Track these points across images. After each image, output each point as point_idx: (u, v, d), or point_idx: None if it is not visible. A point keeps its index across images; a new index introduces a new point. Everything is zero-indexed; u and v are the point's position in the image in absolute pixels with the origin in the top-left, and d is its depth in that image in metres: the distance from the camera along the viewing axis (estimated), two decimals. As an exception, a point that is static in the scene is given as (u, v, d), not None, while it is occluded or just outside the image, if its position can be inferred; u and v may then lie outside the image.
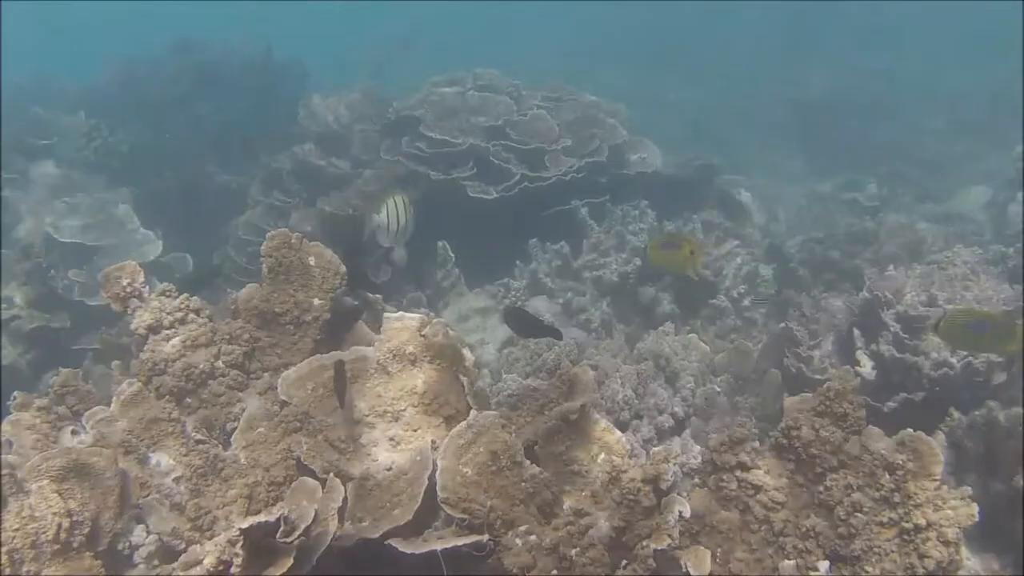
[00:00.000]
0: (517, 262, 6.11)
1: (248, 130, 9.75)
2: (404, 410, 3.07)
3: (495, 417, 2.86)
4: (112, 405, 2.80)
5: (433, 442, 2.87)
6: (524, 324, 3.56)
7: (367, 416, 3.06)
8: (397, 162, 6.69)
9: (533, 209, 6.47)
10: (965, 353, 4.25)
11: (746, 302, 5.85)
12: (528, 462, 2.85)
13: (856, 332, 4.72)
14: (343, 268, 3.56)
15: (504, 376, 4.36)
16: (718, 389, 4.37)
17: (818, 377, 4.58)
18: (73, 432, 2.83)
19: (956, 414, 3.74)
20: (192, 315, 3.20)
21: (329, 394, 3.07)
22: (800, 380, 4.61)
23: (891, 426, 3.07)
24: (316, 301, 3.44)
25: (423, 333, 3.16)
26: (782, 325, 4.96)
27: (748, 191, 7.85)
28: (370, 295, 3.79)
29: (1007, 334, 3.33)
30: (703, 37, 18.27)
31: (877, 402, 4.28)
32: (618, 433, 3.01)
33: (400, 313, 3.20)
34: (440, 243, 6.16)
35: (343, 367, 3.11)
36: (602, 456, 2.97)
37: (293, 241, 3.52)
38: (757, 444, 3.10)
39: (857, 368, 4.59)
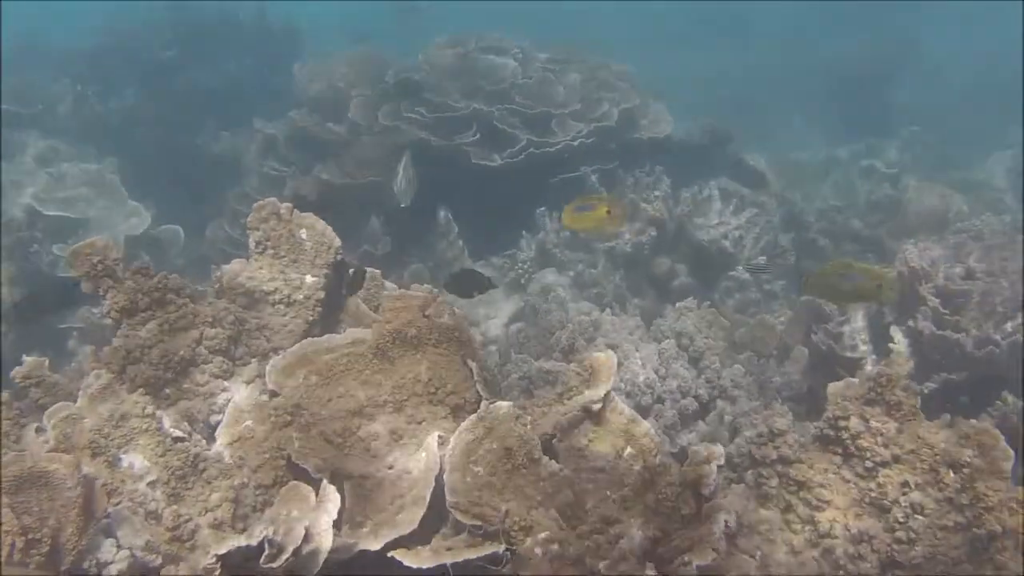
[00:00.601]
0: (524, 232, 5.77)
1: (242, 94, 9.39)
2: (407, 400, 2.76)
3: (508, 408, 2.56)
4: (78, 400, 2.49)
5: (440, 437, 2.57)
6: (465, 283, 3.37)
7: (366, 407, 2.75)
8: (396, 128, 6.33)
9: (540, 176, 6.13)
10: (1011, 329, 3.95)
11: (738, 269, 5.52)
12: (546, 458, 2.55)
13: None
14: (337, 241, 3.25)
15: (514, 356, 4.05)
16: (743, 369, 4.05)
17: (849, 355, 4.28)
18: (38, 430, 2.53)
19: (1010, 398, 3.44)
20: (171, 295, 2.89)
21: (323, 383, 2.76)
22: (830, 357, 4.30)
23: (931, 410, 2.78)
24: (308, 278, 3.13)
25: (427, 313, 2.85)
26: (806, 298, 4.64)
27: (763, 156, 7.50)
28: (368, 269, 3.47)
29: (880, 282, 3.11)
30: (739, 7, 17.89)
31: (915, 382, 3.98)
32: (645, 424, 2.70)
33: (400, 291, 2.89)
34: (442, 212, 5.83)
35: (339, 351, 2.81)
36: (628, 450, 2.66)
37: (283, 212, 3.21)
38: (799, 436, 2.80)
39: (891, 345, 4.29)
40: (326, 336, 2.88)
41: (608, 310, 4.58)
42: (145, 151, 8.26)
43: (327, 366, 2.79)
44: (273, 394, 2.75)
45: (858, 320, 4.55)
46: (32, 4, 15.15)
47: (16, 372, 2.67)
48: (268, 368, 2.77)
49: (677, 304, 4.45)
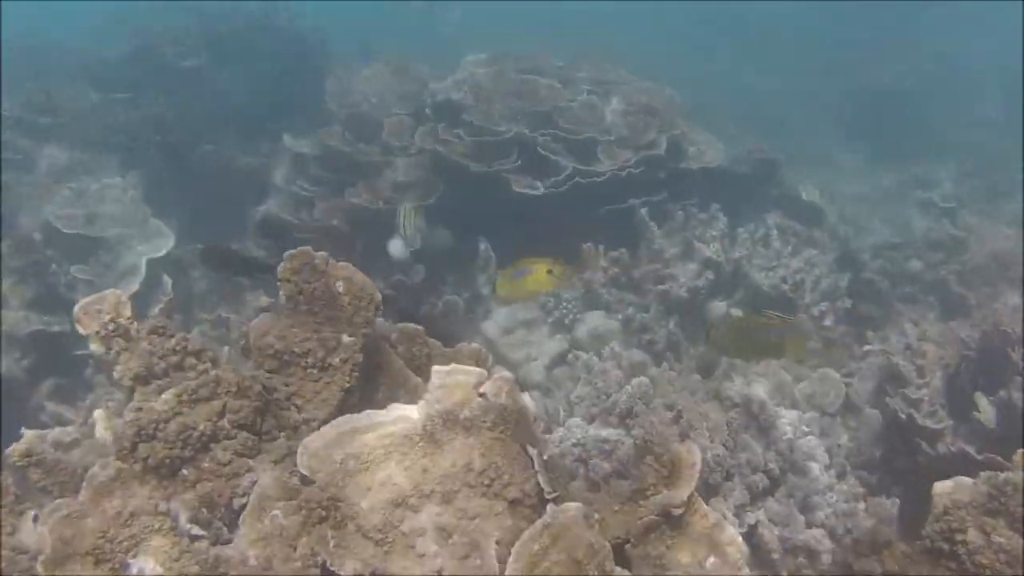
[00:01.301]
0: (567, 267, 5.43)
1: (270, 106, 9.09)
2: (457, 491, 2.41)
3: (577, 512, 2.20)
4: (82, 492, 2.15)
5: (497, 542, 2.22)
6: (228, 263, 3.29)
7: (410, 496, 2.40)
8: (434, 151, 6.00)
9: (585, 207, 5.79)
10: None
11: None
12: (619, 569, 2.19)
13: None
14: (379, 296, 2.90)
15: (567, 422, 3.69)
16: (816, 439, 3.68)
17: (931, 425, 3.90)
18: (36, 520, 2.19)
19: None
20: (191, 359, 2.56)
21: (362, 468, 2.41)
22: (909, 428, 3.92)
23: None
24: (345, 338, 2.79)
25: (482, 391, 2.50)
26: (884, 355, 4.27)
27: (815, 188, 7.13)
28: (409, 326, 3.13)
29: (790, 340, 3.01)
30: (780, 25, 17.40)
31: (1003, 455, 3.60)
32: (731, 530, 2.34)
33: (452, 366, 2.53)
34: (483, 244, 5.49)
35: (380, 431, 2.47)
36: (712, 560, 2.30)
37: (318, 262, 2.86)
38: (904, 548, 2.43)
39: (975, 414, 3.91)
40: (366, 413, 2.53)
41: (664, 363, 4.22)
42: (169, 163, 7.95)
43: (367, 448, 2.44)
44: (304, 479, 2.41)
45: (935, 382, 4.17)
46: (31, 4, 14.76)
47: (14, 450, 2.34)
48: (300, 450, 2.42)
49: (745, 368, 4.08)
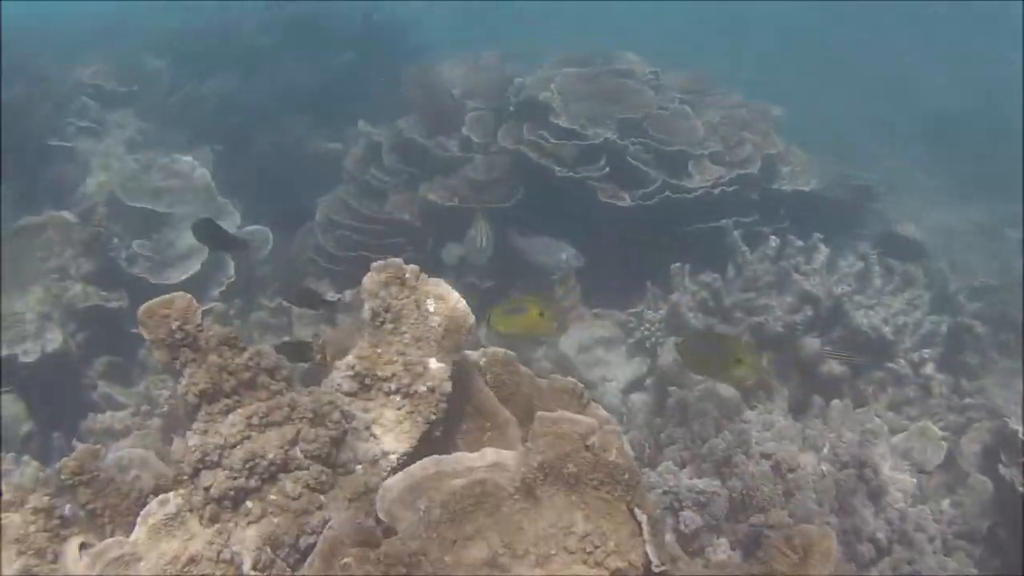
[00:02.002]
0: (649, 285, 5.09)
1: (345, 92, 8.86)
2: (554, 554, 2.11)
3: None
4: (136, 530, 1.89)
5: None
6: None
7: (500, 555, 2.11)
8: (517, 151, 5.70)
9: (674, 223, 5.46)
10: None
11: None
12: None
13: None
14: (471, 319, 2.61)
15: (660, 467, 3.36)
16: (928, 510, 3.33)
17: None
18: (83, 547, 1.94)
19: None
20: (264, 377, 2.29)
21: (448, 518, 2.13)
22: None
23: None
24: (433, 363, 2.51)
25: (589, 443, 2.20)
26: (998, 418, 3.90)
27: (912, 222, 6.73)
28: (499, 351, 2.83)
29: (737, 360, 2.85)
30: (843, 38, 16.79)
31: None
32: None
33: (560, 413, 2.23)
34: (564, 254, 5.17)
35: (471, 478, 2.18)
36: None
37: (408, 276, 2.58)
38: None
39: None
40: (455, 456, 2.24)
41: (755, 402, 3.89)
42: (238, 142, 7.75)
43: (455, 497, 2.15)
44: (383, 526, 2.13)
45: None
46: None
47: (64, 465, 2.08)
48: (380, 493, 2.14)
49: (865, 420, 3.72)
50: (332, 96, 8.68)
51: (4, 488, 2.00)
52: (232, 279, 5.75)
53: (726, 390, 3.96)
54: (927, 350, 4.69)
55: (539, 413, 2.20)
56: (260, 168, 7.53)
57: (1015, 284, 6.39)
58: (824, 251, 4.83)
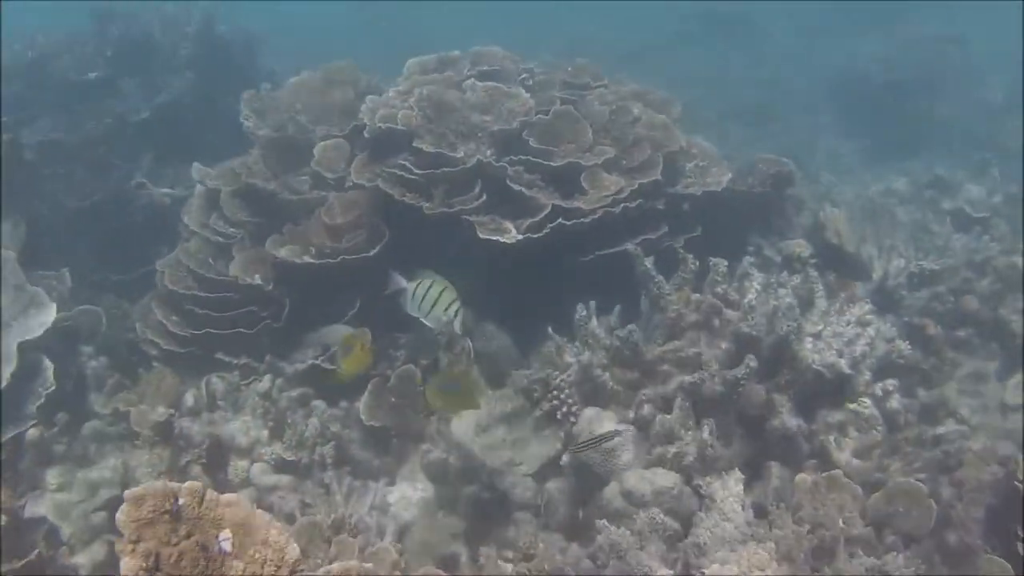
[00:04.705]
0: (553, 336, 4.16)
1: (187, 119, 7.74)
2: None
3: None
4: None
5: None
6: None
7: None
8: (375, 188, 4.75)
9: (569, 254, 4.59)
10: None
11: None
12: None
13: None
14: (295, 553, 1.67)
15: None
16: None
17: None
18: None
19: None
20: None
21: None
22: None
23: None
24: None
25: None
26: (1006, 466, 3.13)
27: (835, 207, 5.98)
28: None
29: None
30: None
31: None
32: None
33: None
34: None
35: None
36: None
37: (184, 504, 1.63)
38: None
39: None
40: None
41: (702, 489, 3.05)
42: (61, 200, 6.60)
43: None
44: None
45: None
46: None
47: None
48: None
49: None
50: (171, 127, 7.56)
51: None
52: (52, 387, 4.59)
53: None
54: (891, 381, 3.90)
55: None
56: (88, 226, 6.44)
57: (956, 266, 5.67)
58: (759, 277, 3.99)
